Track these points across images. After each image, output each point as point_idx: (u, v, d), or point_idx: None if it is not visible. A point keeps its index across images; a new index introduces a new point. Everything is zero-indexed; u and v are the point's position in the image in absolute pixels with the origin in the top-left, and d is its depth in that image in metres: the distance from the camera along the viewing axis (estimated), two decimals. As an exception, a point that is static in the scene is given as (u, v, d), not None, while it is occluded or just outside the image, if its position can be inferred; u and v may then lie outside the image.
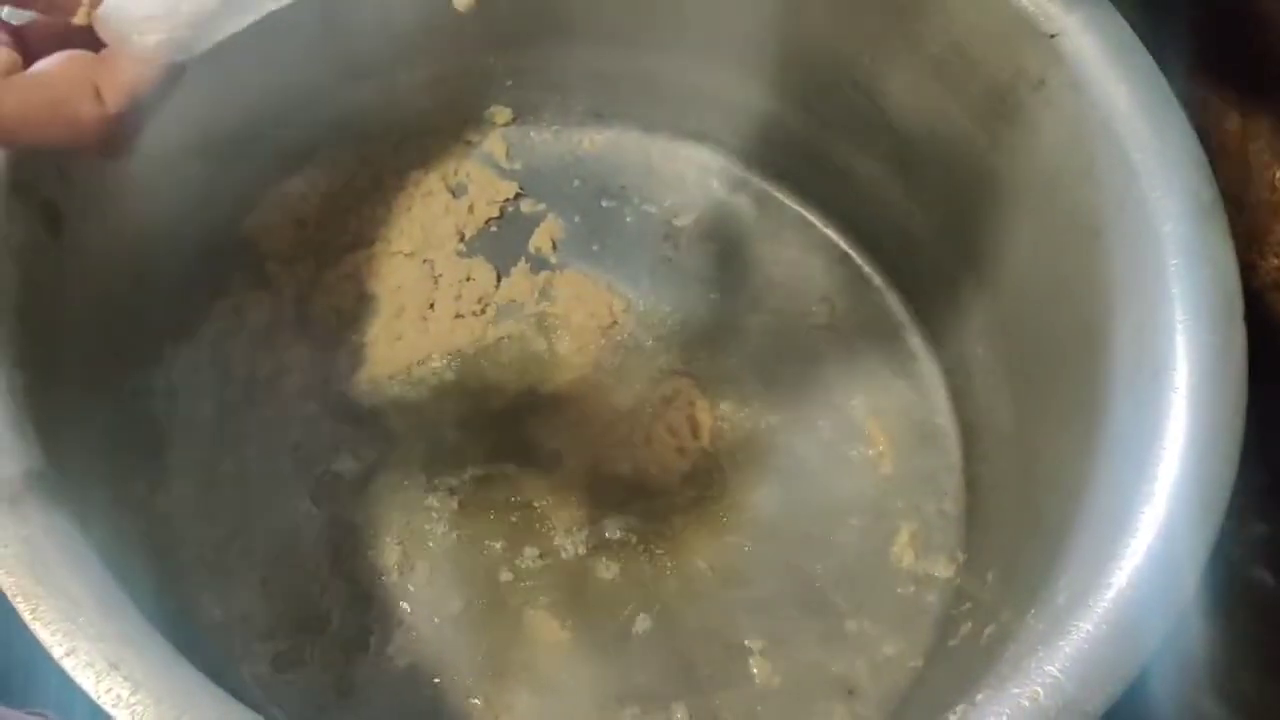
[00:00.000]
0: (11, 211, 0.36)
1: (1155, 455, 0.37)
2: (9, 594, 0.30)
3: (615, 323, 0.56)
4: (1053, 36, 0.44)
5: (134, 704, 0.29)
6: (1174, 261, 0.40)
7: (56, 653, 0.29)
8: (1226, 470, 0.36)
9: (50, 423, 0.35)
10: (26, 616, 0.30)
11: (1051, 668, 0.33)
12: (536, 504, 0.51)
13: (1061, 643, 0.34)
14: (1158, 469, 0.37)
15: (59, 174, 0.39)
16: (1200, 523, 0.35)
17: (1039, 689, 0.32)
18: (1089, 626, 0.34)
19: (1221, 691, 0.49)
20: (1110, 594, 0.34)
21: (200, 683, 0.30)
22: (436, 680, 0.48)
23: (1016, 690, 0.33)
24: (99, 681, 0.29)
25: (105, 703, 0.29)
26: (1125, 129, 0.42)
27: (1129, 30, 0.44)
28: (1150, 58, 0.43)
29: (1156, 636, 0.34)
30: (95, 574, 0.31)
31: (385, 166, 0.58)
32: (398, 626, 0.49)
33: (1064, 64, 0.44)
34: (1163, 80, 0.43)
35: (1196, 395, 0.37)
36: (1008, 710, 0.32)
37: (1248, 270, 0.53)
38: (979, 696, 0.34)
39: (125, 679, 0.29)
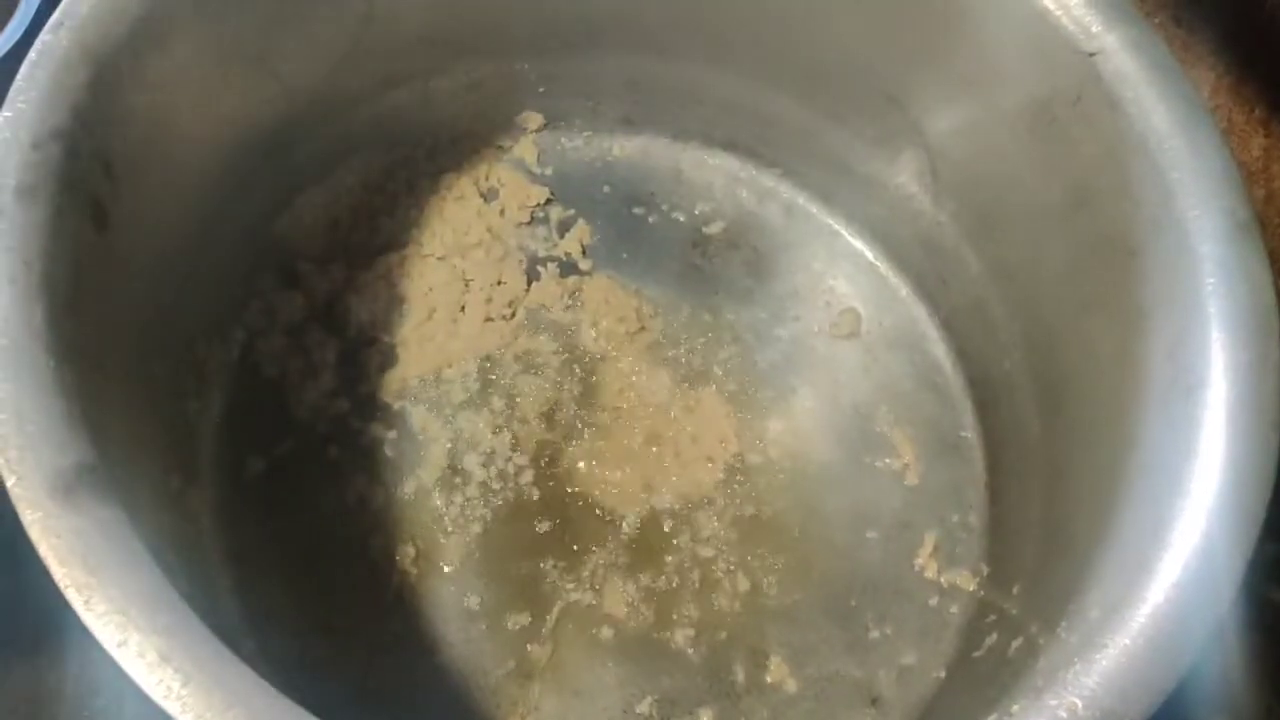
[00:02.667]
0: (62, 208, 0.36)
1: (1190, 472, 0.37)
2: (61, 584, 0.30)
3: (643, 328, 0.56)
4: (1091, 55, 0.44)
5: (184, 696, 0.29)
6: (1210, 280, 0.40)
7: (109, 644, 0.30)
8: (1262, 487, 0.36)
9: (98, 417, 0.35)
10: (79, 607, 0.30)
11: (1089, 680, 0.33)
12: (567, 505, 0.52)
13: (1098, 656, 0.34)
14: (1192, 485, 0.37)
15: (105, 171, 0.39)
16: (1236, 539, 0.35)
17: (1076, 701, 0.33)
18: (1126, 641, 0.34)
19: (1234, 713, 0.49)
20: (1146, 609, 0.35)
21: (248, 677, 0.30)
22: (464, 681, 0.48)
23: (1054, 702, 0.33)
24: (150, 673, 0.29)
25: (156, 694, 0.29)
26: (1162, 147, 0.43)
27: (1166, 50, 0.44)
28: (1186, 77, 0.44)
29: (1192, 652, 0.34)
30: (145, 567, 0.32)
31: (419, 170, 0.58)
32: (425, 627, 0.49)
33: (1101, 82, 0.44)
34: (1199, 99, 0.43)
35: (1232, 412, 0.38)
36: (1045, 721, 0.32)
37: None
38: (1015, 707, 0.34)
39: (176, 671, 0.30)
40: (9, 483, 0.31)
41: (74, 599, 0.30)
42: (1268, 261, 0.40)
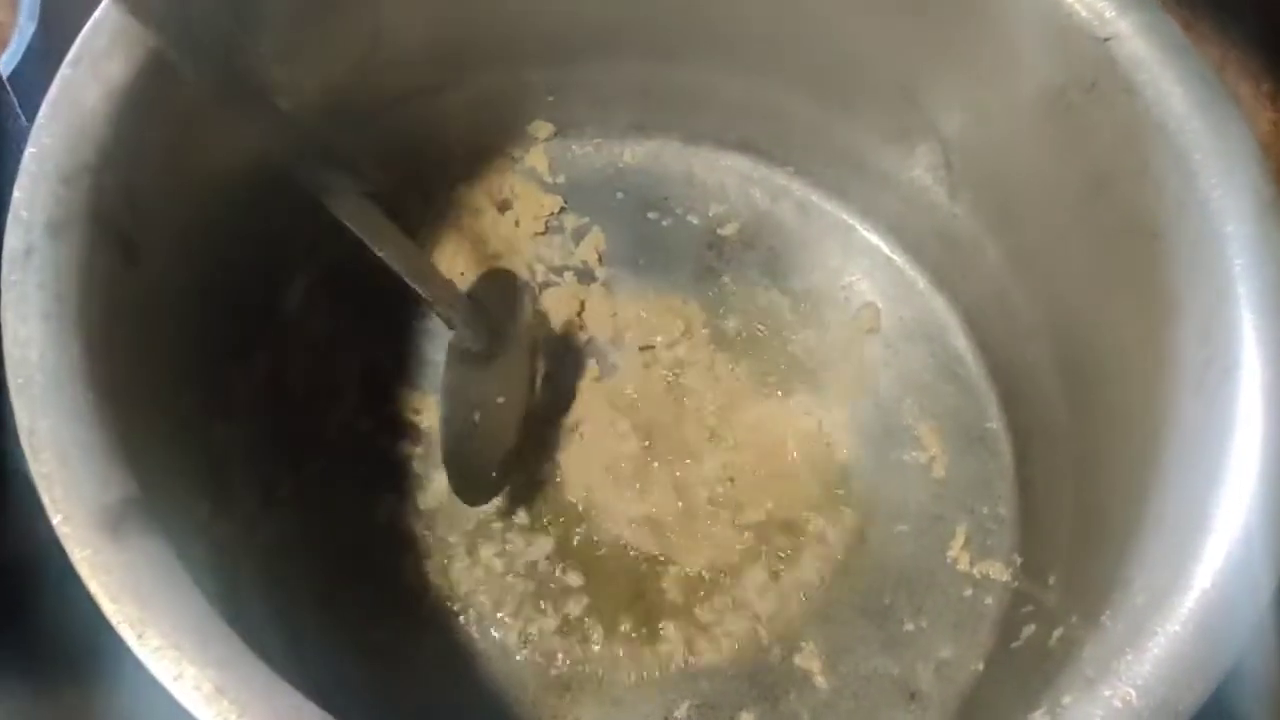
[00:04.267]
0: (92, 242, 0.36)
1: (1228, 454, 0.37)
2: (113, 620, 0.30)
3: (662, 333, 0.56)
4: (1105, 40, 0.44)
5: (242, 727, 0.29)
6: (1239, 260, 0.40)
7: (164, 678, 0.30)
8: (1303, 467, 0.36)
9: (136, 450, 0.35)
10: (133, 643, 0.30)
11: (1142, 669, 0.33)
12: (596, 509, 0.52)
13: (1149, 644, 0.34)
14: (1231, 468, 0.37)
15: (129, 204, 0.39)
16: (1277, 521, 0.35)
17: (1130, 690, 0.32)
18: (1175, 628, 0.34)
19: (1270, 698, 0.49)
20: (1193, 595, 0.35)
21: (303, 705, 0.30)
22: (502, 696, 0.48)
23: (1108, 692, 0.33)
24: (208, 706, 0.29)
25: (214, 727, 0.29)
26: (1181, 129, 0.42)
27: (1180, 32, 0.44)
28: (1202, 60, 0.43)
29: (1241, 637, 0.34)
30: (193, 598, 0.32)
31: (433, 184, 0.58)
32: (461, 643, 0.49)
33: (1116, 67, 0.44)
34: (1216, 80, 0.43)
35: (1269, 393, 0.38)
36: (1100, 712, 0.32)
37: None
38: (1065, 699, 0.34)
39: (232, 703, 0.30)
40: (55, 520, 0.31)
41: (127, 635, 0.30)
42: (1293, 239, 0.40)
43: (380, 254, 0.46)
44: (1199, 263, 0.41)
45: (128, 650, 0.30)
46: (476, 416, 0.50)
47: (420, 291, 0.47)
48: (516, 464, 0.52)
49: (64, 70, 0.38)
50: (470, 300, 0.50)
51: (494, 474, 0.50)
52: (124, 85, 0.39)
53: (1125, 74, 0.44)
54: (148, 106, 0.40)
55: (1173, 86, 0.43)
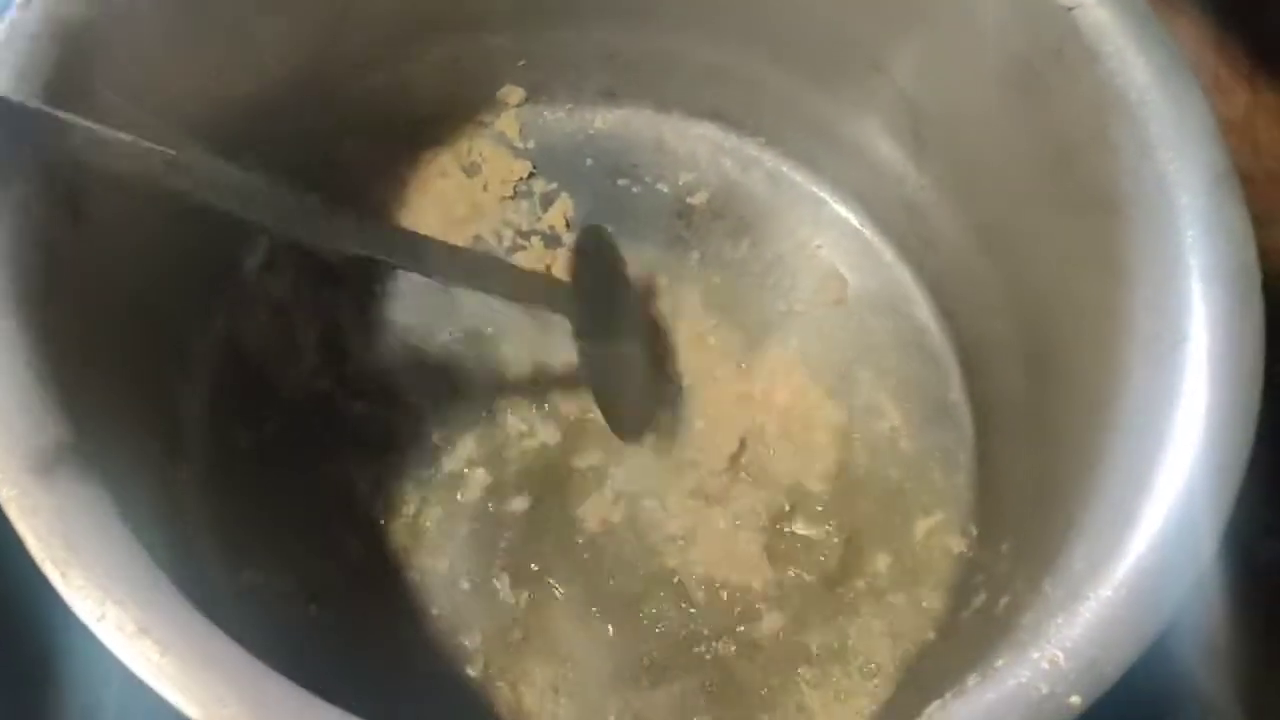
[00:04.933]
0: (34, 192, 0.36)
1: (1172, 422, 0.37)
2: (39, 560, 0.30)
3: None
4: (1070, 9, 0.44)
5: (163, 665, 0.29)
6: (1190, 231, 0.40)
7: (88, 618, 0.30)
8: (1244, 435, 0.36)
9: (78, 397, 0.35)
10: (57, 582, 0.30)
11: (1071, 632, 0.33)
12: (557, 466, 0.52)
13: (1081, 608, 0.34)
14: (1174, 435, 0.37)
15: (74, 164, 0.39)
16: (1218, 487, 0.35)
17: (1058, 653, 0.33)
18: (1108, 592, 0.34)
19: (1233, 678, 0.49)
20: (1128, 561, 0.35)
21: (228, 646, 0.31)
22: (453, 651, 0.48)
23: (1036, 654, 0.33)
24: (129, 645, 0.29)
25: (136, 666, 0.29)
26: (1142, 100, 0.42)
27: (1145, 1, 0.44)
28: (1165, 29, 0.43)
29: (1175, 600, 0.34)
30: (123, 542, 0.32)
31: (399, 147, 0.58)
32: (414, 599, 0.49)
33: (1081, 35, 0.44)
34: (1179, 51, 0.43)
35: (1214, 362, 0.38)
36: (1027, 673, 0.32)
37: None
38: (999, 662, 0.34)
39: (155, 642, 0.30)
40: (-15, 460, 0.31)
41: (52, 574, 0.30)
42: (1247, 212, 0.40)
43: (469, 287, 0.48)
44: (1153, 234, 0.41)
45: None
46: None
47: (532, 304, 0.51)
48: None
49: (12, 13, 0.38)
50: (571, 289, 0.51)
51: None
52: (77, 30, 0.39)
53: (1089, 43, 0.44)
54: (102, 55, 0.40)
55: (1135, 56, 0.43)
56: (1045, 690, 0.32)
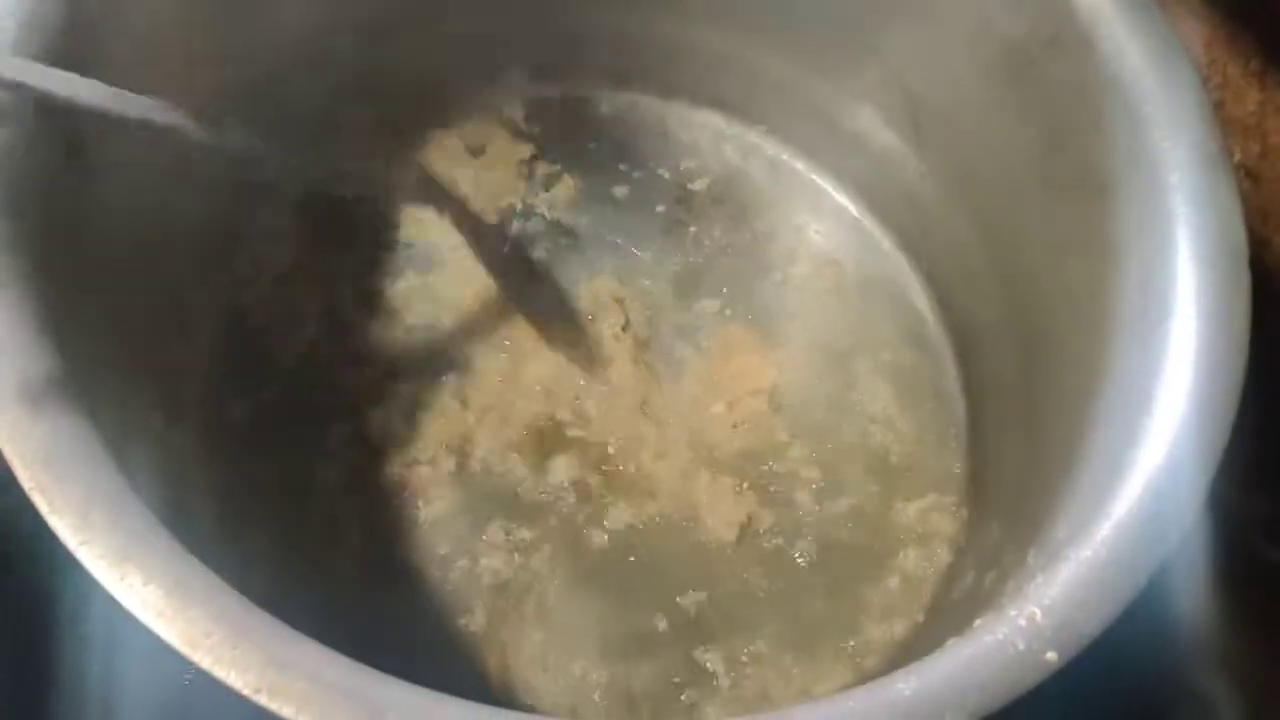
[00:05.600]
0: (33, 132, 0.37)
1: (1156, 396, 0.37)
2: (26, 487, 0.31)
3: (626, 282, 0.57)
4: (1065, -7, 0.44)
5: (145, 593, 0.30)
6: (1180, 210, 0.40)
7: (71, 544, 0.30)
8: (1227, 408, 0.36)
9: (73, 337, 0.35)
10: (43, 508, 0.30)
11: (1050, 590, 0.33)
12: (557, 436, 0.52)
13: (1060, 568, 0.34)
14: (1158, 408, 0.37)
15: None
16: (1200, 456, 0.35)
17: (1035, 610, 0.33)
18: (1087, 552, 0.34)
19: (1226, 669, 0.49)
20: (1108, 524, 0.35)
21: (209, 579, 0.31)
22: (444, 619, 0.48)
23: (1014, 612, 0.33)
24: (112, 570, 0.30)
25: (118, 592, 0.30)
26: (1135, 82, 0.43)
27: (1139, -14, 0.44)
28: (1160, 12, 0.44)
29: (1153, 563, 0.34)
30: (109, 474, 0.32)
31: (405, 125, 0.58)
32: (406, 565, 0.49)
33: (1076, 20, 0.44)
34: (1173, 33, 0.43)
35: (1201, 341, 0.38)
36: (1004, 629, 0.32)
37: (1261, 246, 0.54)
38: (977, 622, 0.34)
39: (138, 569, 0.30)
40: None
41: (38, 500, 0.31)
42: (1237, 191, 0.40)
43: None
44: (1143, 213, 0.42)
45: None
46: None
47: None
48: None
49: (22, -35, 0.38)
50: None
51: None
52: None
53: (1084, 27, 0.44)
54: (113, 10, 0.41)
55: (1129, 39, 0.43)
56: (1021, 646, 0.32)
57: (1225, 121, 0.42)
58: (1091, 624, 0.33)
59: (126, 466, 0.34)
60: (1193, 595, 0.41)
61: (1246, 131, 0.59)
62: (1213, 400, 0.36)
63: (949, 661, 0.32)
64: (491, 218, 0.58)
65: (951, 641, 0.34)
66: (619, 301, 0.56)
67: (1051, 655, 0.32)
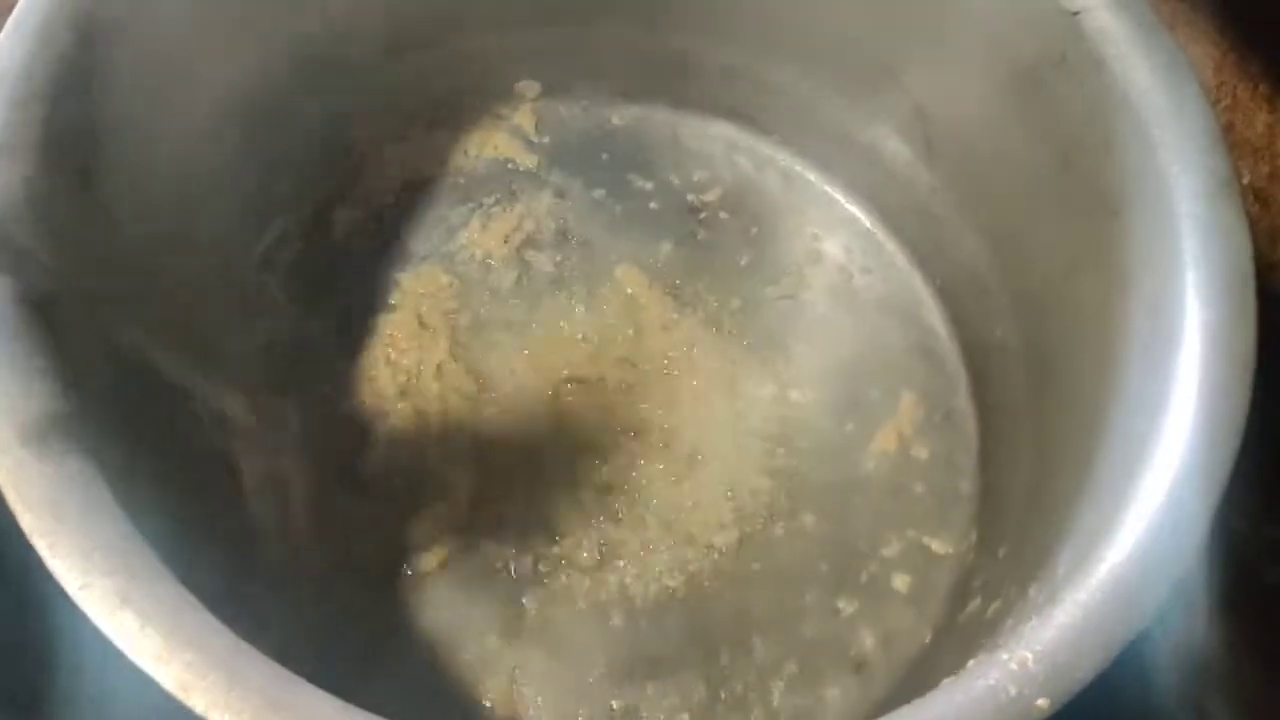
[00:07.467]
0: (43, 165, 0.37)
1: (1160, 429, 0.37)
2: (28, 531, 0.31)
3: (636, 292, 0.57)
4: (1075, 14, 0.44)
5: (142, 638, 0.30)
6: (1189, 237, 0.40)
7: (71, 588, 0.31)
8: (1230, 442, 0.36)
9: (78, 371, 0.36)
10: (44, 553, 0.31)
11: (1045, 634, 0.33)
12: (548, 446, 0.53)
13: (1055, 612, 0.34)
14: (1161, 442, 0.37)
15: (90, 132, 0.40)
16: (1203, 494, 0.35)
17: (1028, 655, 0.32)
18: (1083, 596, 0.34)
19: (1231, 695, 0.49)
20: (1106, 566, 0.35)
21: (208, 622, 0.31)
22: (452, 639, 0.48)
23: (1006, 655, 0.33)
24: (111, 616, 0.30)
25: (115, 636, 0.30)
26: (1144, 104, 0.42)
27: (1148, 8, 0.44)
28: (1169, 35, 0.43)
29: (1151, 608, 0.34)
30: (111, 514, 0.32)
31: (418, 137, 0.59)
32: (415, 588, 0.49)
33: (1085, 41, 0.44)
34: (1182, 57, 0.43)
35: (1207, 369, 0.37)
36: (996, 673, 0.32)
37: (1270, 270, 0.53)
38: (970, 663, 0.34)
39: (135, 614, 0.30)
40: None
41: (39, 545, 0.31)
42: (1245, 218, 0.40)
43: None
44: (1153, 238, 0.41)
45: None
46: None
47: None
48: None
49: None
50: None
51: None
52: (92, 12, 0.40)
53: (1093, 47, 0.44)
54: (116, 37, 0.41)
55: (1139, 61, 0.43)
56: (1013, 692, 0.32)
57: (1234, 144, 0.41)
58: (1084, 670, 0.32)
59: (125, 488, 0.34)
60: (1196, 620, 0.40)
61: (1256, 153, 0.58)
62: (1215, 441, 0.36)
63: (941, 706, 0.32)
64: (502, 230, 0.58)
65: (946, 682, 0.34)
66: (630, 311, 0.56)
67: (1043, 702, 0.32)
